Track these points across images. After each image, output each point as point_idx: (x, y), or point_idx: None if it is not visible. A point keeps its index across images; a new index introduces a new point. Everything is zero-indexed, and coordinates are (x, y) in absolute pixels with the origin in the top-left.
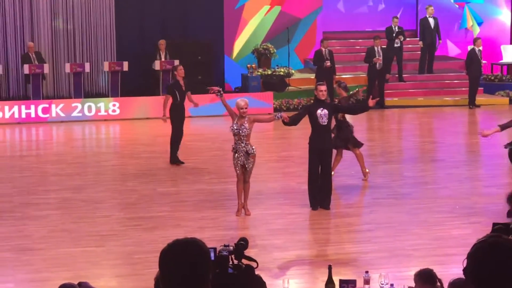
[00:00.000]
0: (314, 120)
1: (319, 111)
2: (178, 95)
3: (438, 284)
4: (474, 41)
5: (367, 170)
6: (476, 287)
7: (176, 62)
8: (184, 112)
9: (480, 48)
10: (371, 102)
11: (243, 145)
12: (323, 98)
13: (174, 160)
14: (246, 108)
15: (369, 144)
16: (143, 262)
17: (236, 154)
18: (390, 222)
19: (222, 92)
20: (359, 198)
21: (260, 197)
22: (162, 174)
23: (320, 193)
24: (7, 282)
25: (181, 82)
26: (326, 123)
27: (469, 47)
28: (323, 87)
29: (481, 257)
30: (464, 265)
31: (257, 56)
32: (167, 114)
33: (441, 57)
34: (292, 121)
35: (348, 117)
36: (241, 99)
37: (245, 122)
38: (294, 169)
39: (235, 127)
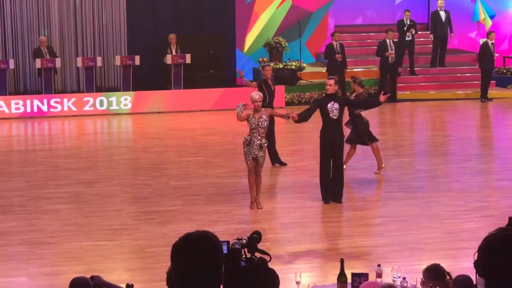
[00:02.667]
0: (325, 114)
1: (330, 105)
2: (267, 95)
3: (448, 277)
4: (488, 34)
5: (383, 165)
6: (487, 280)
7: (188, 56)
8: None
9: (493, 41)
10: (382, 98)
11: (259, 137)
12: (329, 93)
13: (275, 160)
14: (260, 101)
15: (381, 137)
16: (155, 256)
17: (249, 147)
18: (402, 216)
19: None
20: (371, 192)
21: (272, 190)
22: (174, 168)
23: (332, 186)
24: (20, 276)
25: (269, 82)
26: (337, 116)
27: (482, 40)
28: (331, 81)
29: (493, 250)
30: (475, 258)
31: (269, 50)
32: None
33: (453, 50)
34: (302, 118)
35: (364, 112)
36: (255, 93)
37: (263, 115)
38: (306, 163)
39: (253, 121)
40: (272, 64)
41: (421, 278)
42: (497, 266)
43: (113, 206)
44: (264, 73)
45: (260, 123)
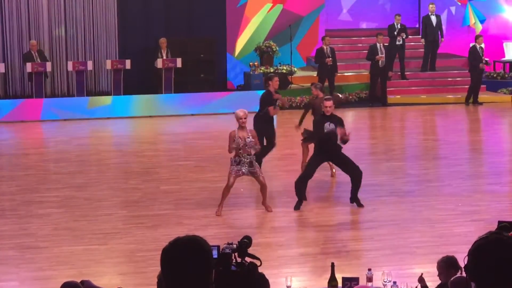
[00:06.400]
0: (320, 133)
1: (326, 125)
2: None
3: (459, 271)
4: (476, 38)
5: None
6: (477, 284)
7: (179, 60)
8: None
9: (482, 45)
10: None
11: (248, 157)
12: (328, 115)
13: None
14: (245, 118)
15: (371, 142)
16: (146, 260)
17: (238, 166)
18: (393, 220)
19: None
20: (362, 196)
21: None
22: (165, 172)
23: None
24: (11, 280)
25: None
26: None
27: (471, 45)
28: (330, 103)
29: (482, 254)
30: (465, 262)
31: (260, 54)
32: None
33: (444, 55)
34: (311, 139)
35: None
36: (240, 110)
37: (249, 135)
38: (297, 167)
39: (239, 141)
40: (263, 68)
41: (419, 279)
42: (487, 270)
43: (104, 210)
44: (269, 83)
45: (247, 143)
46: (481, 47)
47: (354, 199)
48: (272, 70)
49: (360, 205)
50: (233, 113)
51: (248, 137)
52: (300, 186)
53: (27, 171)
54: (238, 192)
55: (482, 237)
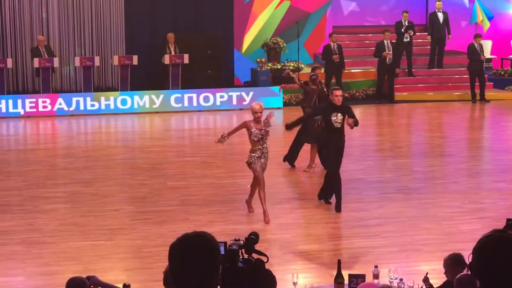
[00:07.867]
0: (328, 122)
1: (333, 116)
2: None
3: (466, 269)
4: (474, 37)
5: (314, 165)
6: (481, 281)
7: (186, 56)
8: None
9: (480, 43)
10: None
11: (267, 147)
12: (339, 104)
13: (289, 158)
14: (261, 112)
15: (378, 138)
16: (152, 256)
17: (262, 160)
18: (399, 217)
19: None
20: (368, 193)
21: (269, 191)
22: (172, 168)
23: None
24: (17, 275)
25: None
26: (340, 125)
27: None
28: (340, 92)
29: (487, 252)
30: (470, 260)
31: (267, 51)
32: None
33: (451, 52)
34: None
35: None
36: (256, 103)
37: (265, 127)
38: (303, 164)
39: (258, 133)
40: (270, 65)
41: (423, 279)
42: (491, 268)
43: (110, 206)
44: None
45: (263, 136)
46: (479, 45)
47: (322, 195)
48: (279, 67)
49: (327, 202)
50: (240, 109)
51: (263, 129)
52: (335, 183)
53: (34, 166)
54: (244, 188)
55: (486, 235)
